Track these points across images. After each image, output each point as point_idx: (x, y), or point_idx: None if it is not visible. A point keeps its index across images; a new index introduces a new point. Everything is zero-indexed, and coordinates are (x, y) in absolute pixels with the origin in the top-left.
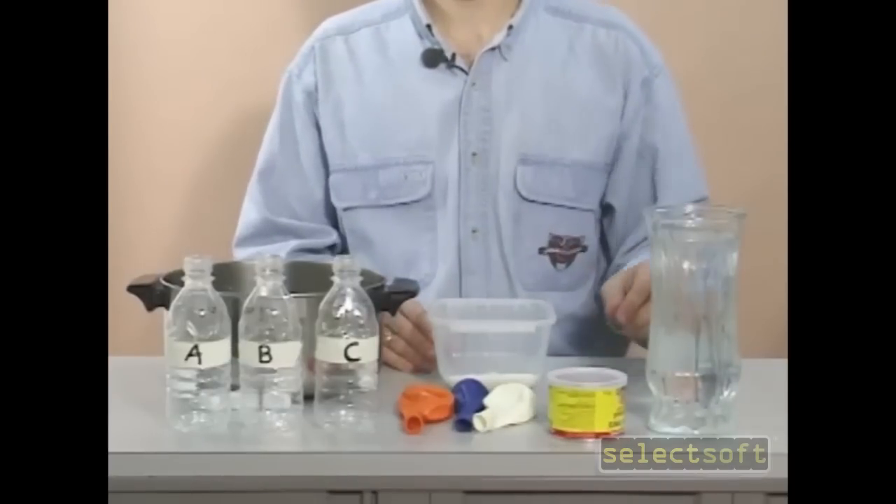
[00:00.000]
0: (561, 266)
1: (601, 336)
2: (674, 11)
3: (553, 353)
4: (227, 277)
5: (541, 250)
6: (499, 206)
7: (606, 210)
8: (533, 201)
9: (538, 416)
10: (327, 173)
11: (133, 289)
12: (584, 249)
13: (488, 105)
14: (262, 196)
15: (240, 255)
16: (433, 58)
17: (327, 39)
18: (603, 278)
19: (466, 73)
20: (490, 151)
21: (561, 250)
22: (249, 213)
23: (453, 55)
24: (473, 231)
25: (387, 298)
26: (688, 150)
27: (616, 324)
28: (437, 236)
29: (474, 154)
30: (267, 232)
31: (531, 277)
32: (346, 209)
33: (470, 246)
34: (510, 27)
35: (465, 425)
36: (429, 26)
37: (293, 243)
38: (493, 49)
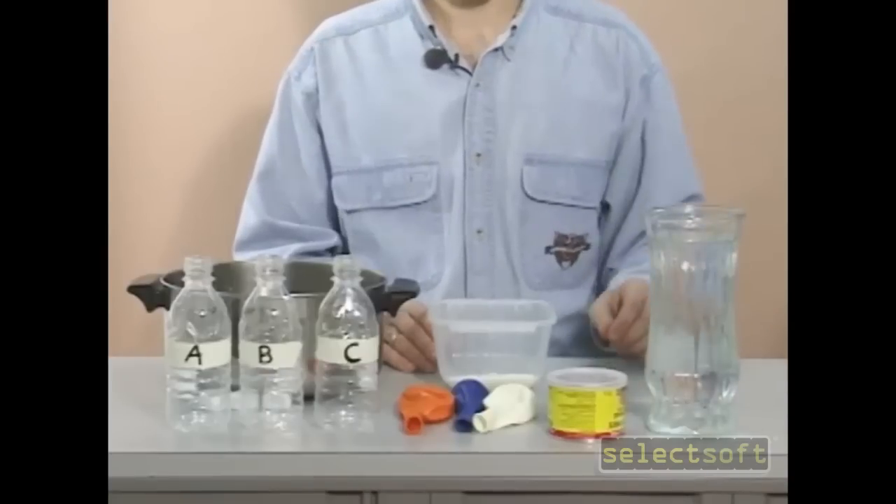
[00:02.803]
0: (566, 264)
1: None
2: (676, 11)
3: (559, 351)
4: (228, 278)
5: (547, 249)
6: (505, 207)
7: (604, 208)
8: (540, 201)
9: (538, 417)
10: (328, 175)
11: (133, 289)
12: (588, 247)
13: (492, 105)
14: (262, 199)
15: (240, 259)
16: (436, 59)
17: (327, 41)
18: (598, 277)
19: (470, 73)
20: (494, 152)
21: (566, 249)
22: (249, 216)
23: (456, 56)
24: (479, 231)
25: (387, 299)
26: (680, 148)
27: (605, 342)
28: (444, 237)
29: (479, 154)
30: (267, 235)
31: (538, 277)
32: (349, 211)
33: (475, 246)
34: (513, 27)
35: (465, 426)
36: (431, 27)
37: (294, 246)
38: (496, 50)
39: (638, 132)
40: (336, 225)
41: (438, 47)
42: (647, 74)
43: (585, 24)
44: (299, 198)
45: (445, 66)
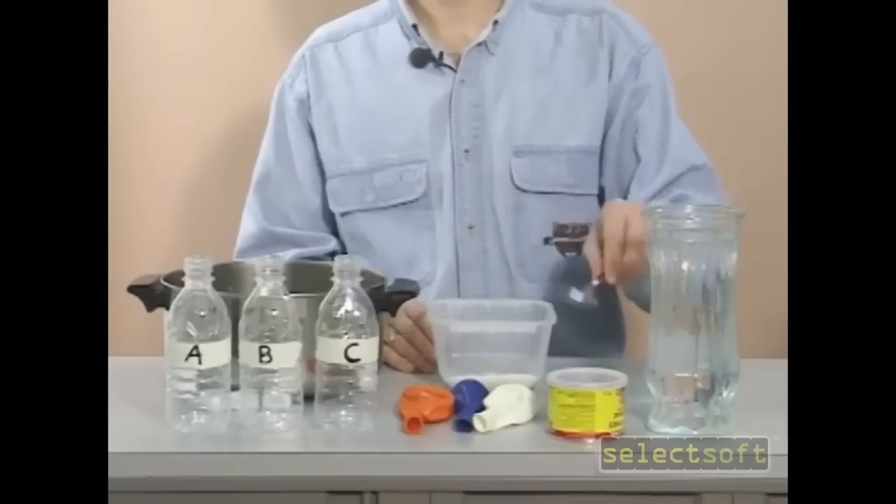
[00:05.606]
0: (570, 255)
1: (607, 327)
2: (678, 14)
3: (565, 347)
4: (228, 278)
5: (546, 240)
6: (495, 201)
7: (600, 193)
8: (531, 192)
9: (538, 417)
10: (323, 181)
11: (133, 289)
12: None
13: (478, 101)
14: (260, 207)
15: None
16: (421, 57)
17: (317, 47)
18: None
19: (455, 70)
20: (482, 147)
21: (569, 238)
22: (248, 224)
23: (441, 54)
24: (470, 227)
25: (387, 299)
26: (673, 122)
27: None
28: (436, 235)
29: (467, 150)
30: (266, 243)
31: (538, 269)
32: (343, 214)
33: (466, 242)
34: (495, 22)
35: (465, 426)
36: (415, 26)
37: (293, 252)
38: (479, 45)
39: (624, 108)
40: (334, 230)
41: (423, 46)
42: (636, 56)
43: (569, 16)
44: (295, 205)
45: (430, 65)
